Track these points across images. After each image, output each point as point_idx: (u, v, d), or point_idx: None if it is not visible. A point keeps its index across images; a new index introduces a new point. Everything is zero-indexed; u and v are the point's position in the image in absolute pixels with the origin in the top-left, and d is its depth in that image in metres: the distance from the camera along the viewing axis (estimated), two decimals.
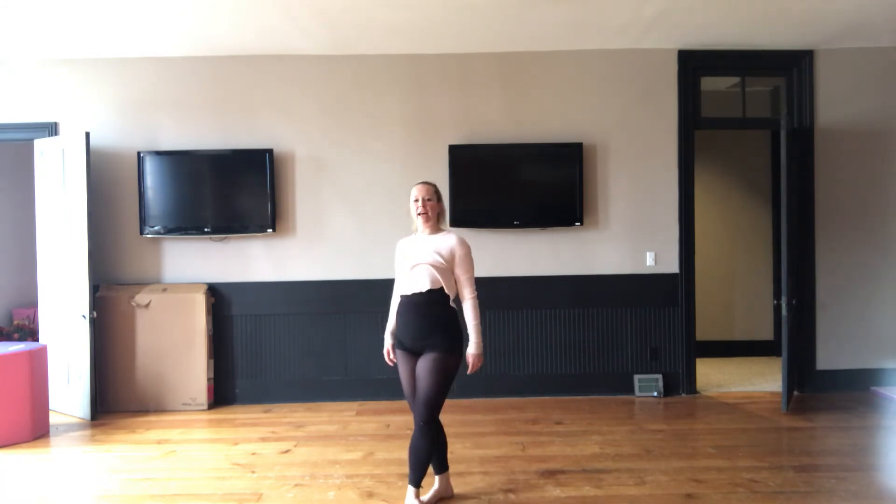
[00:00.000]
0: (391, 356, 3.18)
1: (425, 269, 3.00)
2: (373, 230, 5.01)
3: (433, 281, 2.99)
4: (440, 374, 2.93)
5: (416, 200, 3.08)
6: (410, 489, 3.04)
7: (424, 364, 2.96)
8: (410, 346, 3.03)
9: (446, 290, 3.01)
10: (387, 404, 4.96)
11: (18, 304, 6.29)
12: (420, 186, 3.11)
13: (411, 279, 3.02)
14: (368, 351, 5.06)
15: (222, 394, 5.06)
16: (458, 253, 3.04)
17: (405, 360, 3.06)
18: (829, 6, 4.28)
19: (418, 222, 3.10)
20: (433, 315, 3.00)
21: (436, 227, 3.11)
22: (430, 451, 2.99)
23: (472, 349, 3.06)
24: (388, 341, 3.21)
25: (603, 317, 5.13)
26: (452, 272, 3.05)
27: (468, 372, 3.10)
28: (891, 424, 4.30)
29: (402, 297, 3.08)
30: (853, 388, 5.11)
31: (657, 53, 5.10)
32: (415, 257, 3.03)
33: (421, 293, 3.00)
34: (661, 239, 5.12)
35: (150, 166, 4.94)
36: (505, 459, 3.71)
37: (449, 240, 3.07)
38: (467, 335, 3.09)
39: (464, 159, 5.00)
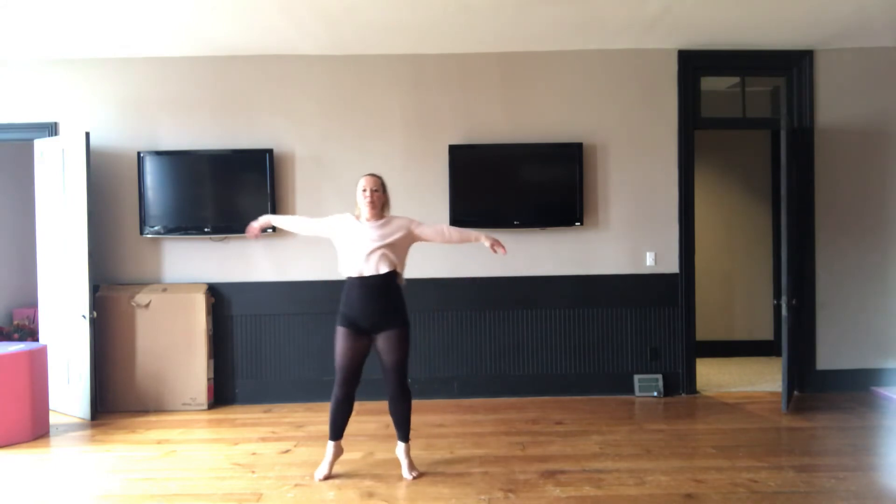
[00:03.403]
0: (256, 230, 3.57)
1: (382, 253, 3.31)
2: None
3: (391, 263, 3.33)
4: (405, 344, 3.40)
5: (365, 190, 3.39)
6: (400, 445, 3.52)
7: (391, 340, 3.35)
8: (366, 327, 3.35)
9: (399, 269, 3.39)
10: (387, 404, 4.95)
11: (18, 304, 6.29)
12: (368, 178, 3.43)
13: (368, 264, 3.31)
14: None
15: (222, 394, 5.06)
16: (412, 222, 3.43)
17: (354, 338, 3.36)
18: (829, 6, 4.28)
19: (365, 211, 3.40)
20: (389, 296, 3.36)
21: (380, 215, 3.44)
22: (409, 410, 3.52)
23: (483, 240, 3.43)
24: (263, 220, 3.61)
25: (603, 317, 5.13)
26: (406, 248, 3.44)
27: (503, 252, 3.42)
28: (891, 424, 4.30)
29: (354, 279, 3.35)
30: (853, 388, 5.11)
31: (657, 53, 5.10)
32: (369, 243, 3.32)
33: (379, 276, 3.31)
34: (661, 239, 5.12)
35: (150, 166, 4.94)
36: (505, 459, 3.70)
37: (397, 220, 3.43)
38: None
39: (464, 159, 5.00)
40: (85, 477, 3.60)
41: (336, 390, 3.42)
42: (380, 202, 3.41)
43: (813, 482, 3.31)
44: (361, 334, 3.36)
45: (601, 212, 5.12)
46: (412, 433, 3.61)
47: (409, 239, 3.43)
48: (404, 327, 3.39)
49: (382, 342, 3.36)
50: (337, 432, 3.50)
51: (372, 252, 3.30)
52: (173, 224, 4.96)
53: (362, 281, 3.32)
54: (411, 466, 3.47)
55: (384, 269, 3.31)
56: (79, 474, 3.65)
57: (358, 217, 3.46)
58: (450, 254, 5.05)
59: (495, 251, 3.44)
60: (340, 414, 3.47)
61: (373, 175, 3.46)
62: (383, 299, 3.33)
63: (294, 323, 5.07)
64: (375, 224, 3.39)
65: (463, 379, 5.11)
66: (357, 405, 5.00)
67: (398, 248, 3.37)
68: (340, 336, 3.38)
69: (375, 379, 5.04)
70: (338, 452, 3.55)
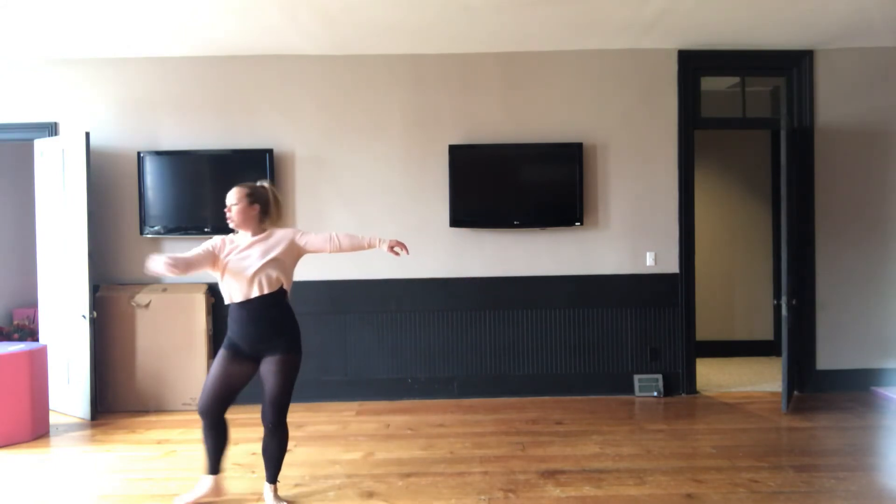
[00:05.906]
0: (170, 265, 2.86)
1: (266, 273, 3.00)
2: (373, 230, 5.00)
3: (273, 283, 3.02)
4: (286, 375, 3.03)
5: (227, 208, 3.07)
6: (267, 486, 3.15)
7: (269, 367, 3.02)
8: (249, 351, 3.04)
9: (285, 286, 3.08)
10: (387, 404, 4.96)
11: (18, 304, 6.29)
12: (229, 193, 3.07)
13: (252, 285, 2.99)
14: (368, 351, 5.07)
15: None
16: (296, 233, 3.10)
17: (230, 362, 3.05)
18: (829, 6, 4.28)
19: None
20: (273, 318, 3.04)
21: (258, 229, 3.10)
22: (282, 450, 3.12)
23: (379, 245, 3.13)
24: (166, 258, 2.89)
25: (603, 317, 5.13)
26: (292, 263, 3.11)
27: (406, 252, 3.15)
28: (891, 424, 4.30)
29: (237, 303, 3.03)
30: (853, 388, 5.11)
31: (657, 53, 5.10)
32: (251, 263, 3.00)
33: (264, 296, 3.00)
34: (661, 239, 5.12)
35: (150, 166, 4.95)
36: (505, 459, 3.71)
37: (278, 233, 3.09)
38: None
39: (464, 159, 5.00)
40: (85, 477, 3.60)
41: (202, 419, 3.13)
42: (247, 216, 3.04)
43: (813, 482, 3.31)
44: (243, 359, 3.05)
45: (601, 212, 5.12)
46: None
47: (294, 251, 3.09)
48: (289, 354, 3.04)
49: (263, 368, 3.04)
50: (212, 465, 3.16)
51: (256, 272, 2.98)
52: (173, 224, 4.96)
53: (247, 304, 3.00)
54: None
55: (269, 289, 3.00)
56: (79, 474, 3.65)
57: (234, 239, 3.13)
58: (450, 253, 5.05)
59: (397, 254, 3.16)
60: (210, 442, 3.14)
61: (237, 187, 3.07)
62: (268, 321, 3.02)
63: None
64: (254, 240, 3.06)
65: (463, 379, 5.11)
66: (357, 405, 5.05)
67: (283, 263, 3.04)
68: (216, 359, 3.09)
69: (374, 379, 5.07)
70: (214, 491, 3.17)
